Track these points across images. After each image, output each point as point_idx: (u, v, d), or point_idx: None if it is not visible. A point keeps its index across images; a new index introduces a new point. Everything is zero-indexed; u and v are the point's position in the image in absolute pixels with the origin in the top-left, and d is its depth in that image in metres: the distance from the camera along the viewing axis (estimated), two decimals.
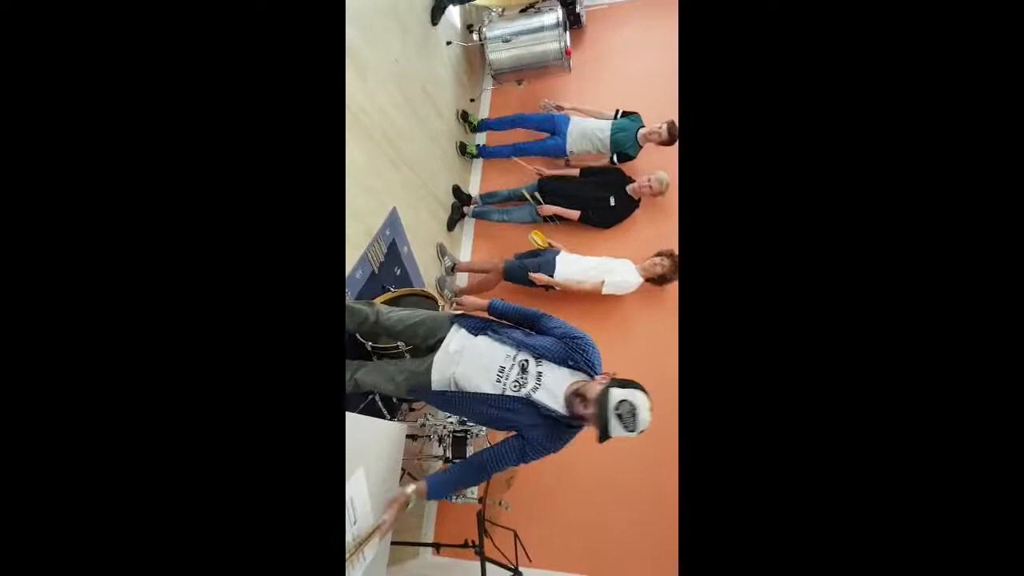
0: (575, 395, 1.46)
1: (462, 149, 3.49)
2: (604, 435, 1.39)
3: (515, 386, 1.54)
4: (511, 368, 1.55)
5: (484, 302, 1.77)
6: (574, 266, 2.88)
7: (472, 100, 3.67)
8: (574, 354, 1.54)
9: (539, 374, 1.53)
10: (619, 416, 1.36)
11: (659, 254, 2.86)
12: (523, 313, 1.70)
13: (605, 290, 2.84)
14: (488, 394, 1.55)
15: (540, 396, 1.52)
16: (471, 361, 1.60)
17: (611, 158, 3.17)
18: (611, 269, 2.86)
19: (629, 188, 3.10)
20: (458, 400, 1.60)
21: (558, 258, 2.93)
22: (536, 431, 1.51)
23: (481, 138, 3.70)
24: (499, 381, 1.55)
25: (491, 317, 1.76)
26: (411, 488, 1.48)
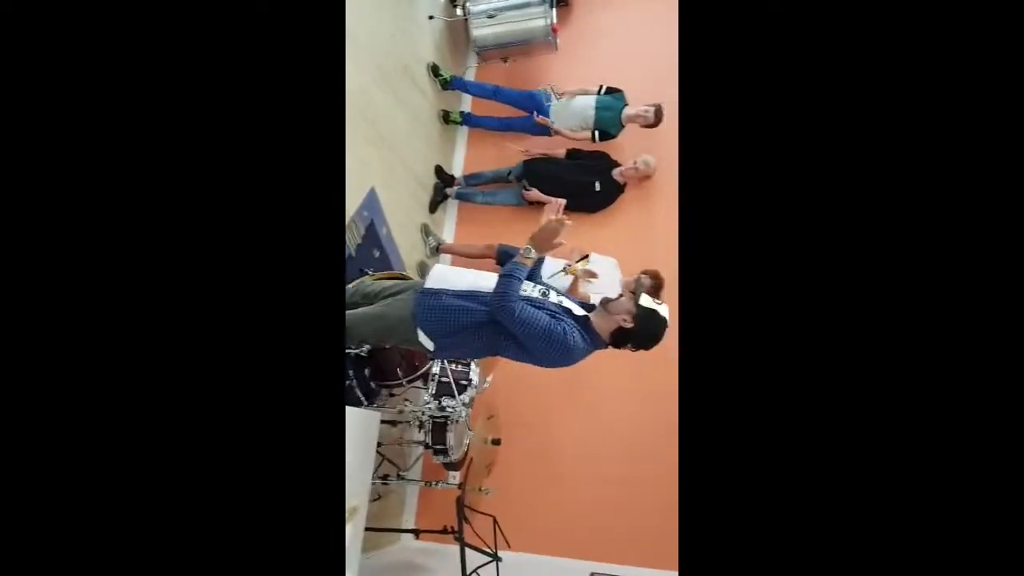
0: (603, 304, 1.52)
1: (445, 117, 3.37)
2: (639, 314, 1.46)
3: (541, 296, 1.54)
4: (531, 288, 1.55)
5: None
6: (556, 281, 2.84)
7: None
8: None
9: (560, 300, 1.56)
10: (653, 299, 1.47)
11: (645, 272, 2.85)
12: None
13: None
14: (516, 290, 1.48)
15: (569, 306, 1.55)
16: (480, 275, 1.59)
17: (592, 135, 3.12)
18: (598, 288, 2.78)
19: (615, 172, 3.07)
20: (468, 297, 1.52)
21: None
22: (568, 327, 1.48)
23: (467, 105, 3.59)
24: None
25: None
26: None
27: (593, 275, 2.47)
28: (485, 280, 1.58)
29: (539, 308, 1.49)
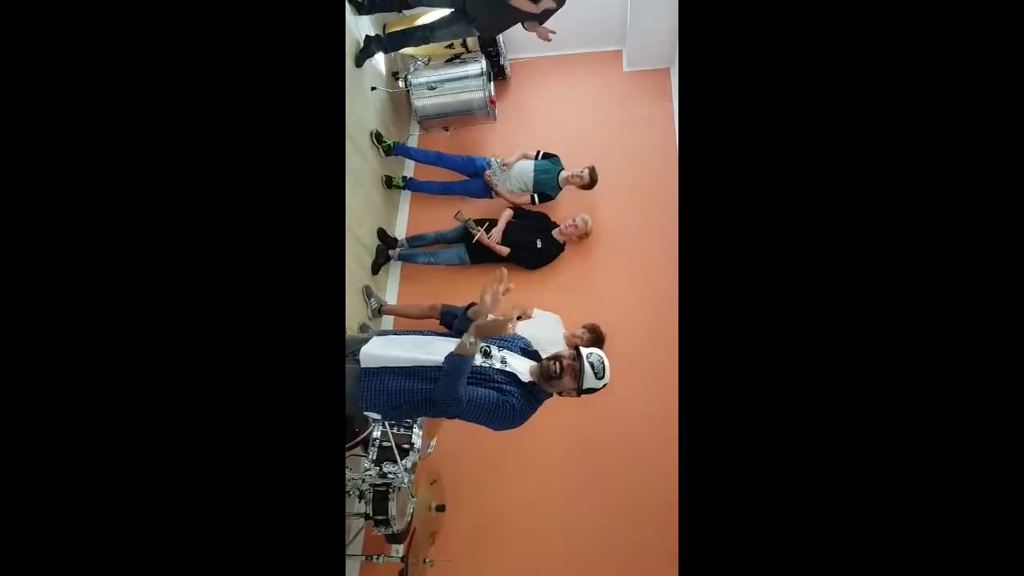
0: (551, 360, 1.54)
1: (388, 182, 3.45)
2: (582, 389, 1.52)
3: (483, 359, 1.55)
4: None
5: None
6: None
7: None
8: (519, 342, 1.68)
9: (503, 357, 1.58)
10: (591, 365, 1.50)
11: (584, 326, 2.94)
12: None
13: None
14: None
15: (513, 367, 1.56)
16: (419, 342, 1.59)
17: (532, 197, 3.30)
18: (540, 345, 2.84)
19: (555, 232, 3.23)
20: (411, 375, 1.50)
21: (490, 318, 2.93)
22: (514, 398, 1.51)
23: (409, 171, 3.69)
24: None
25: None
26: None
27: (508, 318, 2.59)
28: (425, 349, 1.55)
29: (484, 380, 1.51)
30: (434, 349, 1.54)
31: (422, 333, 1.69)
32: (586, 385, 1.51)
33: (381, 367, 1.54)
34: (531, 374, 1.59)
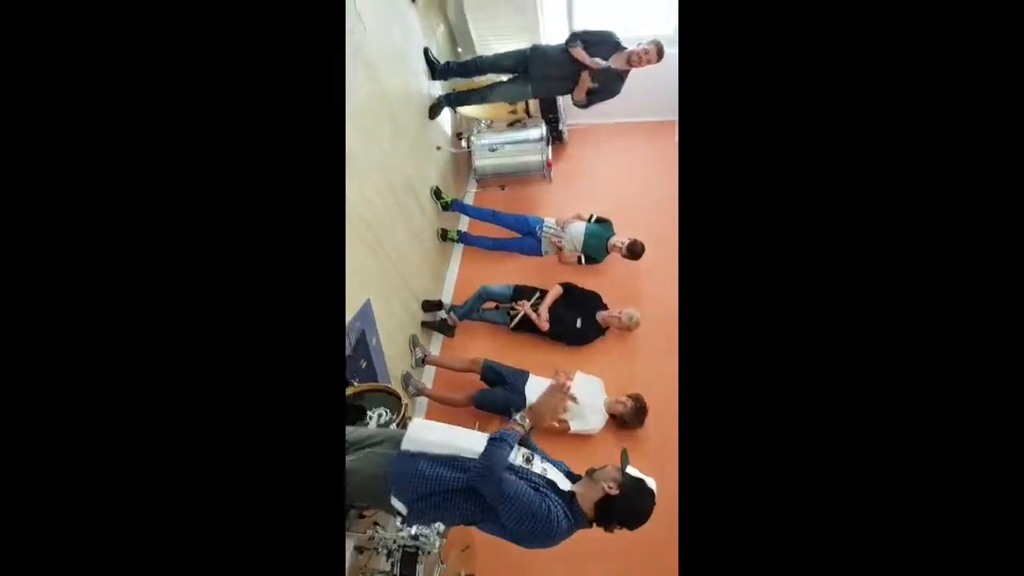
0: (589, 473, 1.44)
1: (443, 235, 3.54)
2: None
3: (524, 463, 1.45)
4: (515, 452, 1.46)
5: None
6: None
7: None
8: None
9: (545, 468, 1.48)
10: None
11: (628, 395, 2.87)
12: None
13: (572, 429, 2.84)
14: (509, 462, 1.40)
15: (553, 477, 1.45)
16: (459, 432, 1.52)
17: (579, 258, 3.29)
18: (579, 410, 2.78)
19: (599, 315, 3.17)
20: (447, 464, 1.42)
21: (528, 385, 2.87)
22: (555, 504, 1.38)
23: (463, 225, 3.78)
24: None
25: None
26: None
27: (573, 399, 2.49)
28: (465, 439, 1.51)
29: (522, 479, 1.42)
30: (474, 441, 1.48)
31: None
32: (631, 473, 1.41)
33: (417, 452, 1.49)
34: (579, 493, 1.46)
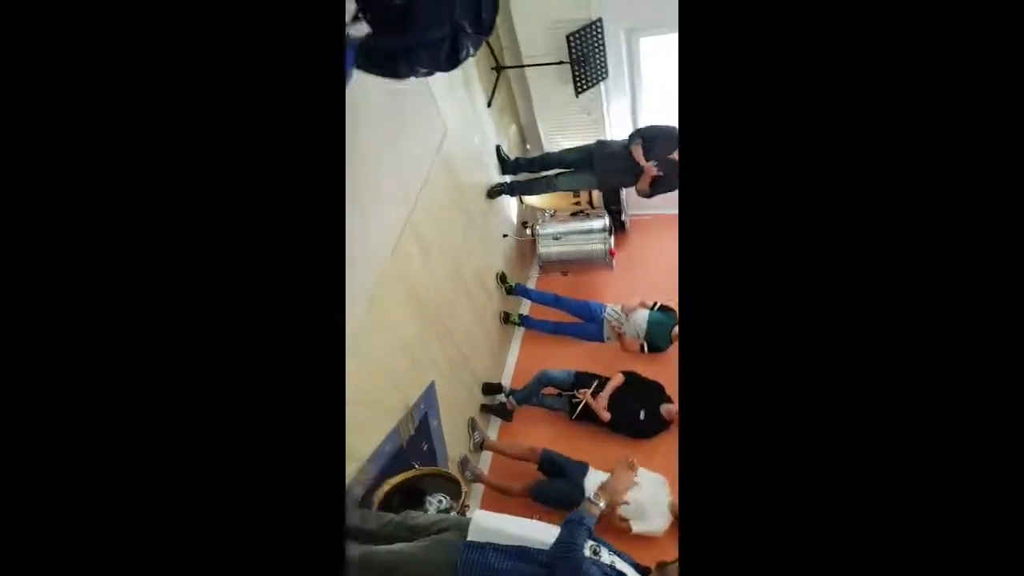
0: (660, 568, 1.46)
1: (505, 318, 3.61)
2: None
3: (592, 555, 1.42)
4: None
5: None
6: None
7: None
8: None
9: (613, 561, 1.45)
10: None
11: None
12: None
13: (634, 530, 2.68)
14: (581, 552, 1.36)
15: (621, 569, 1.43)
16: (527, 523, 1.50)
17: (642, 346, 3.21)
18: (642, 509, 2.67)
19: (663, 408, 3.05)
20: (520, 556, 1.38)
21: (587, 479, 2.75)
22: None
23: (525, 309, 3.86)
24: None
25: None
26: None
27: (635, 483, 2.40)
28: (532, 529, 1.51)
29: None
30: (540, 531, 1.48)
31: None
32: None
33: (486, 542, 1.48)
34: None
